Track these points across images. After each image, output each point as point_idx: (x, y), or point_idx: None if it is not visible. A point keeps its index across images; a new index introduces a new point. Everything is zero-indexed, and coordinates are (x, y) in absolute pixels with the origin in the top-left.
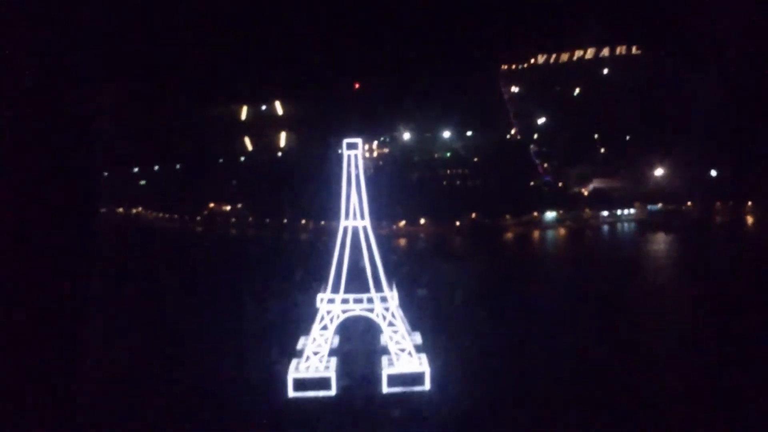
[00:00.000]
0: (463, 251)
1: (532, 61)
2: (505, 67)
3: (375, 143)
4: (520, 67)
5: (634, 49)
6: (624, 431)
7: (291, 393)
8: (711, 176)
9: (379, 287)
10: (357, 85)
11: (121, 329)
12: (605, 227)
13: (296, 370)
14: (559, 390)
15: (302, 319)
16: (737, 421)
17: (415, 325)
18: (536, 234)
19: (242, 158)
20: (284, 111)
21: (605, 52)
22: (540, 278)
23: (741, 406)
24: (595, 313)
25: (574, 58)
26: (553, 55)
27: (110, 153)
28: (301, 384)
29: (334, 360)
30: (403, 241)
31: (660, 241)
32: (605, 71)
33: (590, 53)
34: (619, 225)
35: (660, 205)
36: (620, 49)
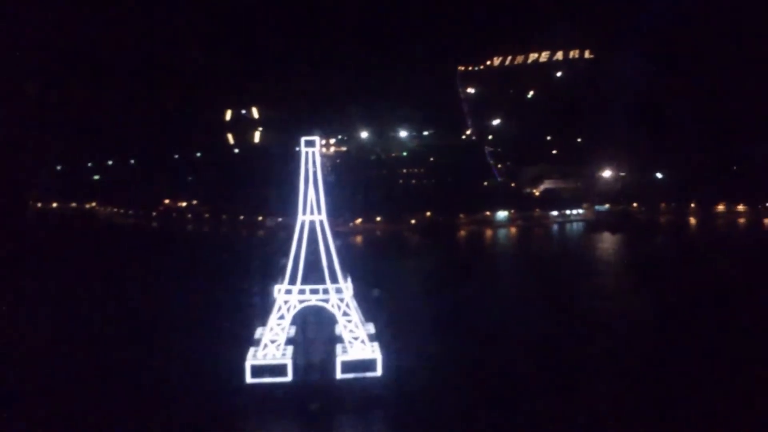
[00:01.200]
0: (416, 247)
1: (488, 62)
2: (462, 68)
3: (333, 141)
4: (476, 68)
5: (587, 53)
6: (558, 411)
7: (248, 379)
8: (657, 179)
9: (334, 279)
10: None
11: (86, 323)
12: (554, 226)
13: (254, 357)
14: (502, 371)
15: (259, 311)
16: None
17: (368, 316)
18: (488, 232)
19: (198, 155)
20: (243, 110)
21: (559, 55)
22: (488, 272)
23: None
24: (538, 301)
25: (529, 60)
26: (509, 58)
27: (60, 147)
28: (258, 370)
29: (290, 348)
30: (359, 238)
31: (604, 240)
32: (558, 74)
33: (545, 56)
34: (567, 225)
35: (607, 205)
36: (573, 53)
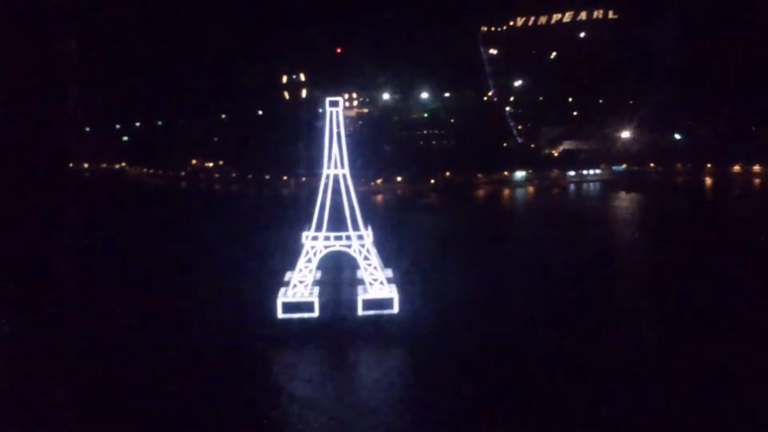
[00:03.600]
0: (435, 205)
1: (511, 23)
2: (485, 29)
3: (355, 103)
4: (499, 29)
5: (611, 13)
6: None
7: (280, 315)
8: (674, 139)
9: (356, 227)
10: (339, 50)
11: (132, 271)
12: (571, 186)
13: (284, 296)
14: (510, 313)
15: (288, 258)
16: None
17: (386, 263)
18: (505, 191)
19: (223, 116)
20: (267, 73)
21: (583, 15)
22: (501, 227)
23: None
24: (549, 252)
25: (552, 21)
26: (532, 18)
27: (91, 109)
28: (288, 307)
29: (317, 288)
30: (380, 197)
31: (619, 198)
32: (582, 35)
33: (568, 17)
34: (584, 184)
35: (624, 166)
36: (597, 13)
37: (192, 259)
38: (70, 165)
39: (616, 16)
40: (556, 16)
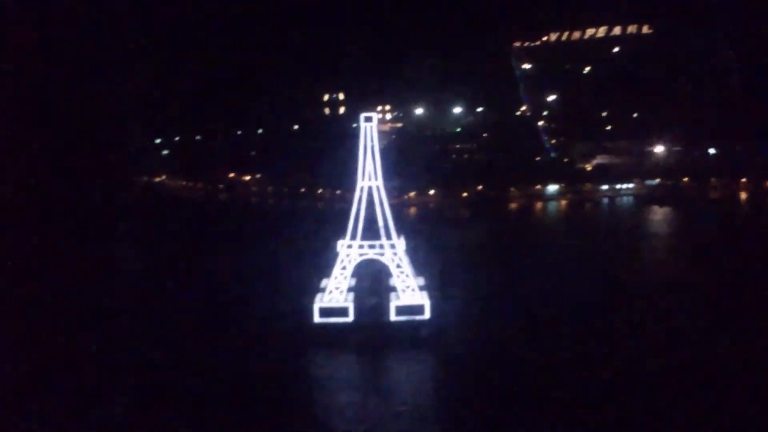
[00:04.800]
0: (466, 218)
1: (545, 38)
2: (519, 44)
3: (389, 117)
4: (532, 44)
5: (645, 28)
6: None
7: (316, 319)
8: (709, 154)
9: (389, 236)
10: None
11: (176, 278)
12: (604, 200)
13: (320, 301)
14: (540, 322)
15: (324, 266)
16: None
17: (418, 272)
18: (537, 204)
19: (260, 131)
20: (306, 88)
21: (617, 30)
22: (533, 239)
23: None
24: (582, 265)
25: (586, 36)
26: (566, 33)
27: (135, 124)
28: (324, 312)
29: (351, 294)
30: (412, 209)
31: (650, 212)
32: (616, 49)
33: (602, 31)
34: (617, 198)
35: (658, 180)
36: (632, 28)
37: (235, 264)
38: (144, 178)
39: (650, 31)
40: (590, 31)
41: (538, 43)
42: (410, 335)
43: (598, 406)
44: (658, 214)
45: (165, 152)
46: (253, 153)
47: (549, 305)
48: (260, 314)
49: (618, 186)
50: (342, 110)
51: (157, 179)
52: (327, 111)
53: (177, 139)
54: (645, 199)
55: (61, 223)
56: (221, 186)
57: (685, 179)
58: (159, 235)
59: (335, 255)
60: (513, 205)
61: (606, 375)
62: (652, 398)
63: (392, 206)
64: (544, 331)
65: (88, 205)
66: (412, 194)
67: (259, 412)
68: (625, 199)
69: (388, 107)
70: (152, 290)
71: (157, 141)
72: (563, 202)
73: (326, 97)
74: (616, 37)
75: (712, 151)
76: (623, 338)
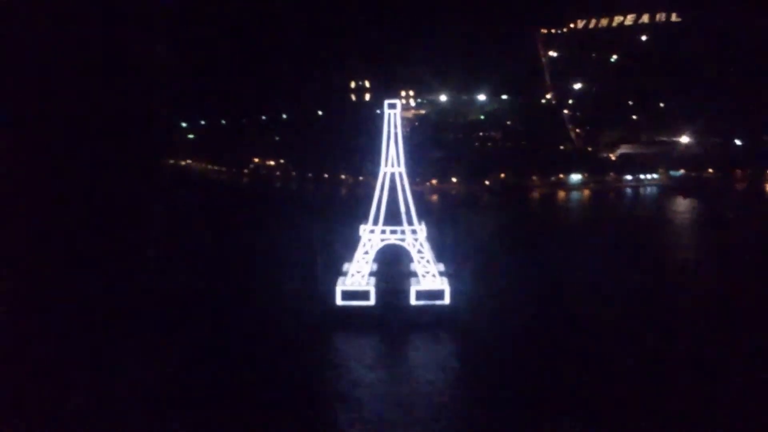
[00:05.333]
0: (487, 205)
1: (572, 25)
2: (545, 31)
3: (412, 104)
4: (559, 31)
5: (673, 17)
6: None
7: (339, 302)
8: (734, 145)
9: (410, 222)
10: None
11: (211, 258)
12: (627, 190)
13: (343, 284)
14: (557, 309)
15: (347, 250)
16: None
17: (438, 258)
18: (560, 193)
19: (285, 116)
20: (330, 75)
21: (645, 18)
22: (553, 228)
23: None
24: (599, 252)
25: (614, 23)
26: (593, 20)
27: (162, 108)
28: (346, 295)
29: (373, 279)
30: (435, 196)
31: (674, 203)
32: (643, 38)
33: (630, 19)
34: (640, 189)
35: (682, 171)
36: (660, 16)
37: (263, 247)
38: (170, 161)
39: (678, 20)
40: (617, 19)
41: (565, 30)
42: (429, 319)
43: (615, 399)
44: (682, 205)
45: (191, 136)
46: (277, 138)
47: (564, 295)
48: (285, 296)
49: (642, 176)
50: (367, 97)
51: (183, 163)
52: (351, 97)
53: (203, 123)
54: (669, 190)
55: (97, 206)
56: (245, 170)
57: (710, 170)
58: (186, 217)
59: (357, 239)
60: (535, 194)
61: (617, 369)
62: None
63: (414, 193)
64: (558, 319)
65: (119, 188)
66: (434, 181)
67: (285, 389)
68: (648, 189)
69: (412, 93)
70: (184, 272)
71: (183, 125)
72: (585, 192)
73: (351, 84)
74: (643, 25)
75: (737, 142)
76: (636, 332)
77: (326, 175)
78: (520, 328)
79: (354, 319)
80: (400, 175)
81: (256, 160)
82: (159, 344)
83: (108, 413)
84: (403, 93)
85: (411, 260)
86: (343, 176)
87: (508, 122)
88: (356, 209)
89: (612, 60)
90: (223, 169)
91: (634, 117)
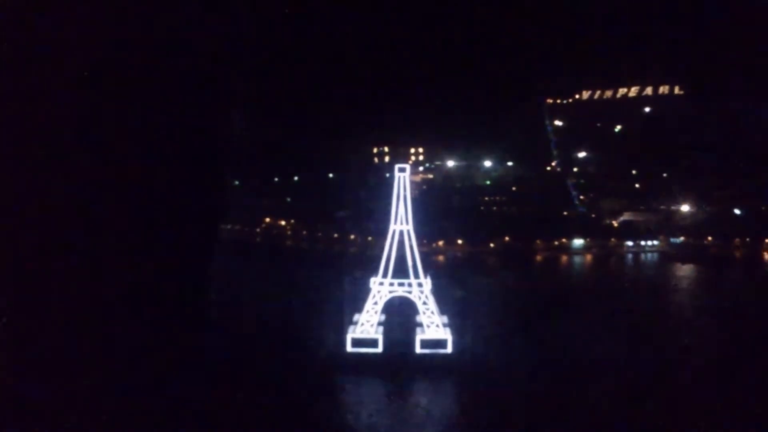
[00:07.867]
0: (491, 267)
1: (577, 96)
2: (550, 100)
3: (420, 168)
4: (564, 101)
5: (676, 89)
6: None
7: (349, 348)
8: (734, 214)
9: (417, 276)
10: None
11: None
12: (628, 256)
13: (353, 332)
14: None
15: (356, 302)
16: None
17: (443, 311)
18: (562, 257)
19: (296, 178)
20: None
21: (648, 90)
22: (555, 289)
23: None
24: (603, 317)
25: (618, 95)
26: (597, 91)
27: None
28: (356, 342)
29: (381, 328)
30: (440, 257)
31: (672, 269)
32: (647, 109)
33: (634, 91)
34: (641, 255)
35: (682, 238)
36: (663, 89)
37: (279, 301)
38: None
39: (681, 92)
40: (622, 90)
41: (570, 100)
42: (433, 367)
43: None
44: (681, 270)
45: None
46: (288, 200)
47: (561, 348)
48: (299, 343)
49: (643, 243)
50: (376, 161)
51: None
52: (361, 162)
53: None
54: (668, 257)
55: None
56: (258, 229)
57: (709, 238)
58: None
59: (366, 291)
60: (538, 257)
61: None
62: None
63: (421, 253)
64: (553, 370)
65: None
66: (440, 242)
67: (299, 423)
68: (648, 255)
69: (421, 157)
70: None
71: None
72: (588, 256)
73: (360, 151)
74: (647, 97)
75: (736, 211)
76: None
77: (336, 235)
78: (519, 374)
79: (363, 364)
80: (408, 232)
81: (268, 219)
82: (171, 392)
83: None
84: (412, 158)
85: (417, 311)
86: (352, 236)
87: (514, 188)
88: (364, 266)
89: (616, 130)
90: (236, 227)
91: (637, 186)
